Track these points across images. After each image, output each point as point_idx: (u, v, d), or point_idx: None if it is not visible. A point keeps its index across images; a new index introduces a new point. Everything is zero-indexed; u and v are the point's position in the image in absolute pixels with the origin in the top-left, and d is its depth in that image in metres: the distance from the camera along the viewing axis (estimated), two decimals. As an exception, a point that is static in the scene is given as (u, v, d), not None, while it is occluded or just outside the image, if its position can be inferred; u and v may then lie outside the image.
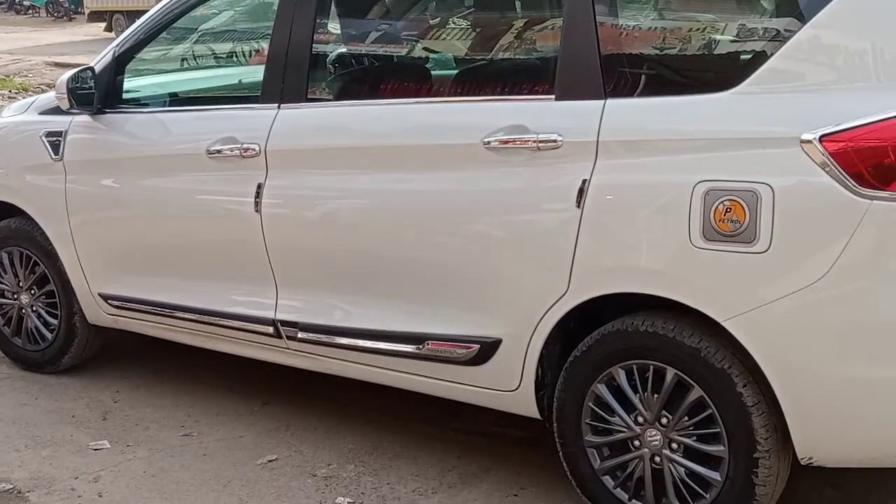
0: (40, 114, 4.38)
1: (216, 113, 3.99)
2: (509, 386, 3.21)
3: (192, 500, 3.43)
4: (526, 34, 3.52)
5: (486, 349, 3.19)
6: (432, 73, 3.86)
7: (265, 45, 3.95)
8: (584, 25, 2.99)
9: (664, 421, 2.93)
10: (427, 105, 3.45)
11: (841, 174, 2.54)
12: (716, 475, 2.87)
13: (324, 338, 3.57)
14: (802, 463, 2.80)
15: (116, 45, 4.12)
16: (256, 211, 3.58)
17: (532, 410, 3.23)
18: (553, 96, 3.06)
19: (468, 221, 3.18)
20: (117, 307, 4.17)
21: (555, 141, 2.97)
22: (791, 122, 2.64)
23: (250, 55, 4.90)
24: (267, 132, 3.57)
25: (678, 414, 2.90)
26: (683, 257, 2.77)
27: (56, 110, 4.19)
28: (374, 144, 3.43)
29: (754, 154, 2.68)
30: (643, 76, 3.06)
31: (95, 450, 3.80)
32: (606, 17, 3.07)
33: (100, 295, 4.19)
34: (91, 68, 4.05)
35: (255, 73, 4.05)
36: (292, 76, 3.59)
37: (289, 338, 3.65)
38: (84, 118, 4.11)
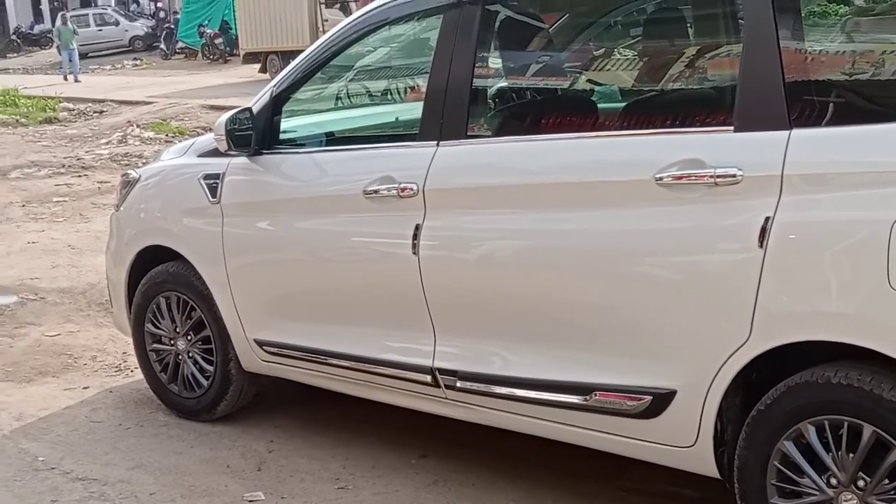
0: (199, 156, 4.57)
1: (373, 152, 4.08)
2: (685, 441, 3.13)
3: (347, 555, 3.49)
4: (699, 62, 3.48)
5: (660, 401, 3.13)
6: (598, 106, 3.84)
7: (422, 81, 4.03)
8: (767, 51, 2.93)
9: (861, 483, 2.80)
10: (593, 140, 3.43)
11: None
12: (922, 545, 2.72)
13: (484, 387, 3.57)
14: None
15: (274, 86, 4.27)
16: (414, 253, 3.64)
17: (710, 469, 3.15)
18: (731, 127, 3.01)
19: (638, 263, 3.15)
20: (272, 353, 4.29)
21: (734, 176, 2.91)
22: None
23: (407, 92, 5.01)
24: (425, 171, 3.63)
25: (877, 476, 2.76)
26: (880, 302, 2.66)
27: (214, 152, 4.38)
28: (538, 182, 3.43)
29: (961, 187, 2.56)
30: (832, 104, 2.97)
31: (250, 501, 3.90)
32: (790, 41, 3.00)
33: (255, 341, 4.32)
34: (249, 109, 4.21)
35: (412, 111, 4.13)
36: (452, 112, 3.64)
37: (447, 387, 3.67)
38: (241, 160, 4.27)
